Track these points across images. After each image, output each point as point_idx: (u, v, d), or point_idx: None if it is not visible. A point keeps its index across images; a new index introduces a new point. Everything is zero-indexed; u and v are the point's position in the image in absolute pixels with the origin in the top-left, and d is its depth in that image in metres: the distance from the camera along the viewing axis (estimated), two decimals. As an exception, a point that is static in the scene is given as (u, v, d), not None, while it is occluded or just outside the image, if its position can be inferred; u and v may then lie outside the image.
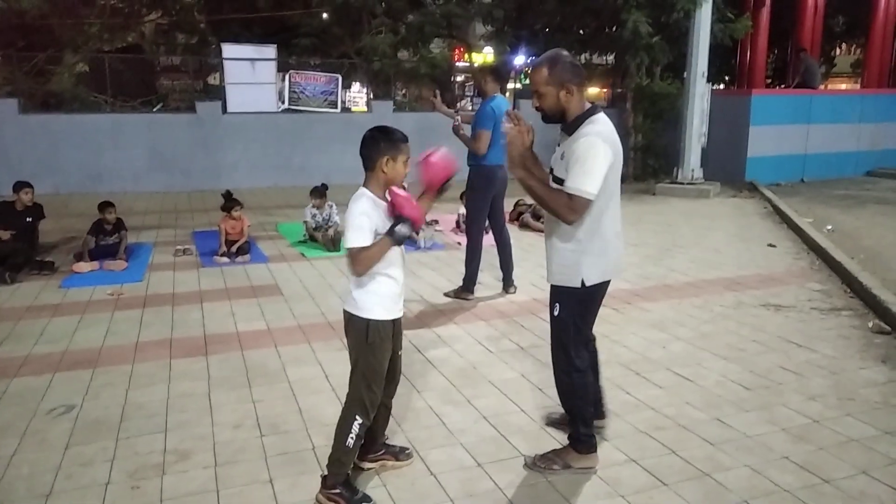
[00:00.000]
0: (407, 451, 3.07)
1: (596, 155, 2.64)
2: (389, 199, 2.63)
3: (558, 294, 2.90)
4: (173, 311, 5.19)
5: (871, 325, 4.87)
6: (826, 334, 4.70)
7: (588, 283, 2.82)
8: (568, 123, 2.79)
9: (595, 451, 3.01)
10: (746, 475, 2.95)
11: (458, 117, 5.54)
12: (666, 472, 2.98)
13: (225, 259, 6.60)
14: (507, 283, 5.69)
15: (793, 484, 2.88)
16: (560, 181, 2.75)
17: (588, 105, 2.80)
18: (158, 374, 4.03)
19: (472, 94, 22.19)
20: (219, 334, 4.70)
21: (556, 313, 2.91)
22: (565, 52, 2.83)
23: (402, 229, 2.54)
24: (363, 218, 2.55)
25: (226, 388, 3.82)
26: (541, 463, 2.99)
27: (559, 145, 2.87)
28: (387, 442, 3.07)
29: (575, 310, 2.89)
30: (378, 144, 2.60)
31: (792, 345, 4.50)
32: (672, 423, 3.42)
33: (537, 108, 2.81)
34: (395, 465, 3.00)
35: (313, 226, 7.45)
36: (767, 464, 3.04)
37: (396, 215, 2.58)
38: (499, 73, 5.62)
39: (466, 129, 5.45)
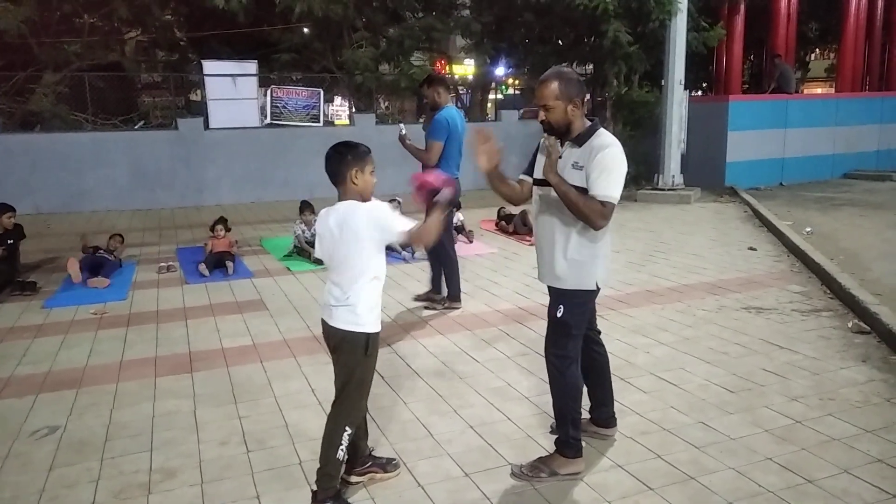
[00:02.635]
0: (394, 462, 3.08)
1: (620, 165, 2.82)
2: (415, 184, 2.77)
3: (564, 296, 2.96)
4: (157, 328, 5.16)
5: (850, 325, 4.94)
6: (807, 335, 4.77)
7: (599, 285, 2.95)
8: (575, 136, 2.88)
9: (581, 455, 3.04)
10: (731, 477, 2.98)
11: (403, 126, 5.47)
12: (651, 476, 3.00)
13: (206, 272, 6.60)
14: (437, 293, 5.62)
15: (777, 485, 2.91)
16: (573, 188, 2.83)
17: (587, 120, 2.92)
18: (143, 392, 4.00)
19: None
20: (204, 351, 4.68)
21: (559, 315, 2.96)
22: (568, 69, 2.96)
23: (445, 194, 2.68)
24: (393, 210, 2.67)
25: (211, 405, 3.80)
26: (527, 471, 3.01)
27: (560, 156, 2.90)
28: (373, 454, 3.08)
29: (577, 311, 2.96)
30: (344, 157, 2.67)
31: (773, 347, 4.56)
32: (657, 428, 3.45)
33: (542, 122, 2.90)
34: (384, 477, 3.00)
35: (305, 239, 7.48)
36: (751, 465, 3.07)
37: (429, 190, 2.68)
38: (448, 83, 5.55)
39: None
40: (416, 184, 2.74)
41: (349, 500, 2.81)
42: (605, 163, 2.77)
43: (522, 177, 3.16)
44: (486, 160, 2.90)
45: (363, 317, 2.68)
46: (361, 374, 2.73)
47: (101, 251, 6.77)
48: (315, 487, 2.76)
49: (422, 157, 5.26)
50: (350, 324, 2.69)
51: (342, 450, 2.70)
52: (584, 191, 2.79)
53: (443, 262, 5.56)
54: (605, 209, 2.77)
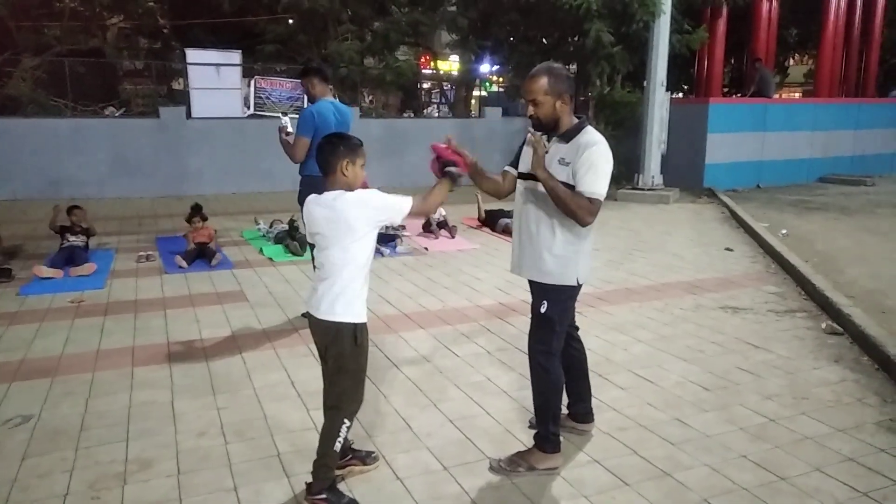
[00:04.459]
0: (373, 455, 3.09)
1: (606, 162, 2.84)
2: (433, 154, 2.84)
3: (548, 292, 2.98)
4: (136, 318, 5.11)
5: (824, 326, 5.03)
6: (781, 335, 4.85)
7: (581, 282, 2.97)
8: (563, 132, 2.90)
9: (559, 450, 3.07)
10: (706, 474, 3.03)
11: (285, 118, 5.21)
12: (628, 472, 3.04)
13: (183, 264, 6.53)
14: None
15: (750, 482, 2.96)
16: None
17: (575, 117, 2.93)
18: (120, 382, 3.96)
19: (438, 100, 22.28)
20: (182, 341, 4.64)
21: (542, 311, 2.98)
22: (558, 65, 2.96)
23: (455, 169, 2.77)
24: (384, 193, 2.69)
25: (189, 396, 3.78)
26: (506, 465, 3.03)
27: (546, 151, 2.90)
28: (352, 447, 3.08)
29: (561, 307, 2.99)
30: (337, 148, 2.68)
31: (749, 346, 4.63)
32: (633, 424, 3.49)
33: (531, 117, 2.91)
34: (363, 469, 3.00)
35: (271, 236, 7.53)
36: (726, 462, 3.12)
37: (443, 161, 2.78)
38: (325, 74, 5.14)
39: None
40: (434, 154, 2.83)
41: (344, 492, 2.81)
42: (593, 160, 2.80)
43: (507, 168, 3.18)
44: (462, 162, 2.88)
45: (351, 307, 2.67)
46: (356, 366, 2.73)
47: (70, 234, 6.62)
48: (311, 479, 2.76)
49: (289, 152, 4.95)
50: (334, 315, 2.67)
51: (339, 442, 2.71)
52: (570, 187, 2.81)
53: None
54: (593, 206, 2.80)
